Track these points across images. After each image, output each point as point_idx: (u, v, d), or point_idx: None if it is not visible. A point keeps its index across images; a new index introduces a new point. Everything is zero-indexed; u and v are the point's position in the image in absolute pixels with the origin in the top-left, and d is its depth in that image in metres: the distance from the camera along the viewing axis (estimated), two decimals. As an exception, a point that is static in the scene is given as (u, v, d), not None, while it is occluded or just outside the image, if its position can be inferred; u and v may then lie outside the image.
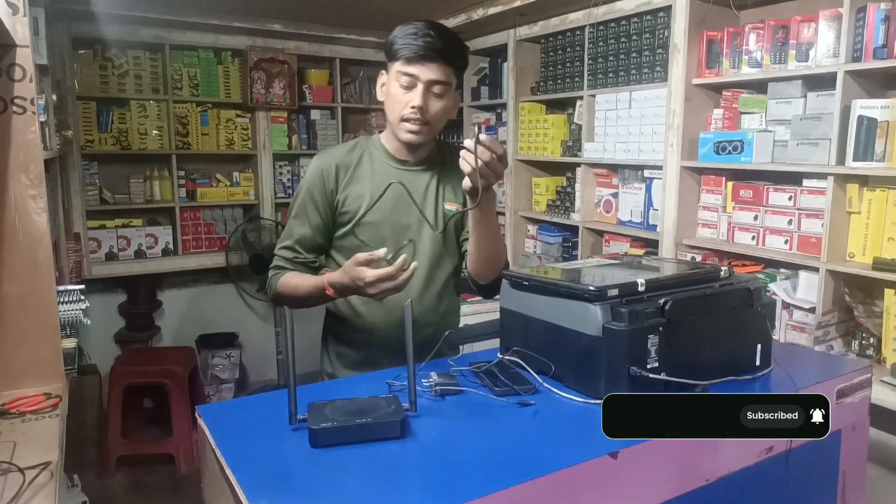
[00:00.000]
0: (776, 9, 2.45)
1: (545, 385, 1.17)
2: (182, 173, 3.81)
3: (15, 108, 1.40)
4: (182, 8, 3.40)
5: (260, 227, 4.00)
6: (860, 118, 2.00)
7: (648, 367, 1.10)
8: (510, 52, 3.40)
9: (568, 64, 3.11)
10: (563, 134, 3.23)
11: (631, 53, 2.77)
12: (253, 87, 3.79)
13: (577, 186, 3.10)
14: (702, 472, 1.06)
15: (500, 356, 1.28)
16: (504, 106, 3.55)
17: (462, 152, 1.26)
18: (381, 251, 1.30)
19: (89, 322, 1.74)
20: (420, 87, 1.43)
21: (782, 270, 2.36)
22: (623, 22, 2.79)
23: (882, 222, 2.05)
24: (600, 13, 2.85)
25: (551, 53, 3.20)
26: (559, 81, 3.18)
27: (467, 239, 1.50)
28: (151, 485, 3.20)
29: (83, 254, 3.46)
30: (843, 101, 2.06)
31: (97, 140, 3.55)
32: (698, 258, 2.57)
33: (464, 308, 1.73)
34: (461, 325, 1.71)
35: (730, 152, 2.38)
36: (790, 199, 2.28)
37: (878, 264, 2.01)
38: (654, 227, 2.73)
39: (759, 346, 1.26)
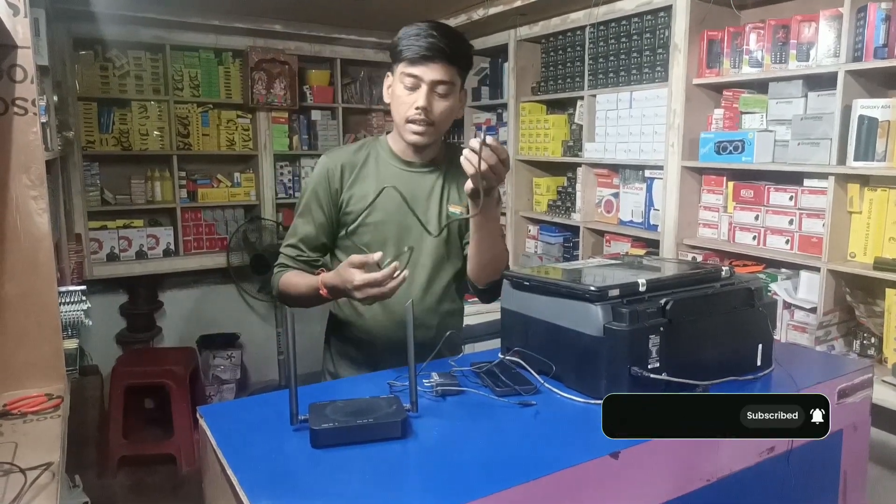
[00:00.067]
0: (777, 8, 2.45)
1: (546, 385, 1.17)
2: (183, 174, 3.81)
3: (16, 110, 1.40)
4: (182, 8, 3.40)
5: (261, 227, 4.00)
6: (861, 118, 2.00)
7: (649, 367, 1.10)
8: (511, 52, 3.39)
9: (568, 64, 3.11)
10: (563, 134, 3.22)
11: (631, 53, 2.77)
12: (254, 87, 3.79)
13: (578, 186, 3.10)
14: (703, 473, 1.06)
15: (501, 356, 1.28)
16: (505, 106, 3.55)
17: (465, 152, 1.25)
18: (377, 255, 1.28)
19: (90, 323, 1.74)
20: (424, 87, 1.43)
21: (783, 270, 2.36)
22: (623, 22, 2.79)
23: (883, 222, 2.05)
24: (601, 13, 2.85)
25: (552, 53, 3.20)
26: (560, 81, 3.17)
27: (469, 243, 1.50)
28: (152, 485, 3.20)
29: (84, 254, 3.46)
30: (844, 100, 2.06)
31: (98, 141, 3.55)
32: (699, 258, 2.57)
33: (465, 308, 1.72)
34: (464, 325, 1.71)
35: (730, 152, 2.38)
36: (791, 198, 2.28)
37: (879, 264, 2.01)
38: (654, 228, 2.73)
39: (760, 346, 1.26)
